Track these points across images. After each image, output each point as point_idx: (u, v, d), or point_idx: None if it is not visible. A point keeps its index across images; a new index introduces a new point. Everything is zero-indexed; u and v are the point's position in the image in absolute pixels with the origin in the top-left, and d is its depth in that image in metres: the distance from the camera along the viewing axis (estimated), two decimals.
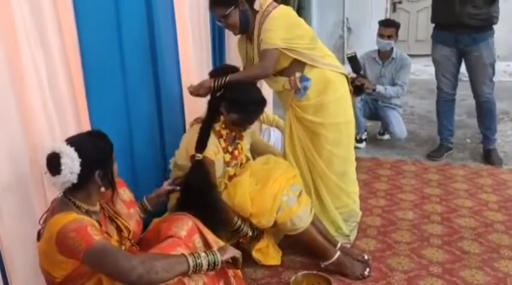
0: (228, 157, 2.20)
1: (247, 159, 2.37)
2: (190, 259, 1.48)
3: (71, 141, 1.49)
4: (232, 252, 1.65)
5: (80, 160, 1.45)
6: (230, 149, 2.22)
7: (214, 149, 2.12)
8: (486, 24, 3.32)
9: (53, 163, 1.45)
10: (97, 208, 1.59)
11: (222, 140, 2.18)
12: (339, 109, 2.34)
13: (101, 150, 1.53)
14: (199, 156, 2.05)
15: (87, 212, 1.52)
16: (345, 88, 2.38)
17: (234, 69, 2.26)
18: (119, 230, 1.66)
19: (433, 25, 3.61)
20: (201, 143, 2.07)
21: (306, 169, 2.40)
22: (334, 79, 2.31)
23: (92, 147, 1.51)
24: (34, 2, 1.62)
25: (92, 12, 1.88)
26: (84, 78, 1.88)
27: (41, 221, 1.52)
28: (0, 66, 1.52)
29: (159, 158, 2.45)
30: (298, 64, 2.27)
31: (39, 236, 1.51)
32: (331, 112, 2.31)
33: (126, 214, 1.73)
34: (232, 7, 2.17)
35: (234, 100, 2.10)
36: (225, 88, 2.12)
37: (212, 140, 2.12)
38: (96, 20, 1.91)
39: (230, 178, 2.23)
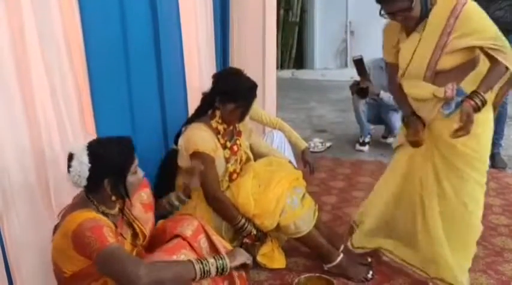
0: (227, 153, 2.21)
1: (247, 156, 2.38)
2: (197, 267, 1.48)
3: (91, 144, 1.51)
4: (243, 258, 1.65)
5: (89, 165, 1.46)
6: (229, 145, 2.23)
7: (212, 146, 2.13)
8: (509, 28, 3.30)
9: (68, 162, 1.49)
10: (115, 211, 1.60)
11: (220, 136, 2.19)
12: (487, 142, 1.93)
13: (114, 159, 1.51)
14: (174, 147, 2.18)
15: (104, 214, 1.54)
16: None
17: (238, 72, 2.26)
18: (135, 234, 1.67)
19: None
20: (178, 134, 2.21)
21: (417, 190, 2.03)
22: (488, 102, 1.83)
23: (106, 154, 1.50)
24: (42, 7, 1.64)
25: (97, 15, 1.90)
26: (89, 82, 1.90)
27: (60, 215, 1.53)
28: (9, 70, 1.54)
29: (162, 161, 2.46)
30: (465, 70, 1.87)
31: (55, 230, 1.52)
32: (482, 143, 1.91)
33: (144, 218, 1.73)
34: None
35: (228, 90, 2.15)
36: (215, 82, 2.20)
37: (210, 137, 2.15)
38: (101, 23, 1.93)
39: (231, 174, 2.23)
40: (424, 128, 1.95)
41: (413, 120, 1.97)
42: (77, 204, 1.52)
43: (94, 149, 1.49)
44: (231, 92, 2.14)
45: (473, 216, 1.97)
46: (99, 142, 1.54)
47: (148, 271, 1.37)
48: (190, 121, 2.24)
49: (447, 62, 1.84)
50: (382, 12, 1.86)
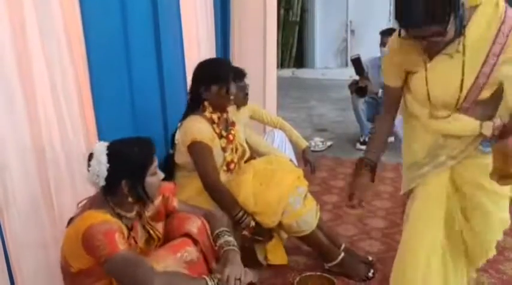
0: (223, 142, 2.23)
1: (243, 149, 2.38)
2: (210, 283, 1.50)
3: (112, 144, 1.51)
4: (250, 277, 1.66)
5: (107, 165, 1.46)
6: (224, 134, 2.25)
7: (209, 135, 2.15)
8: None
9: (88, 162, 1.49)
10: (131, 214, 1.59)
11: (215, 126, 2.21)
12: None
13: (133, 159, 1.50)
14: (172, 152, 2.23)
15: (119, 216, 1.53)
16: None
17: (206, 60, 2.28)
18: (149, 239, 1.67)
19: None
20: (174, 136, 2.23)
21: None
22: None
23: (125, 154, 1.50)
24: (43, 2, 1.65)
25: (97, 10, 1.90)
26: (89, 76, 1.91)
27: (79, 205, 1.54)
28: (10, 66, 1.54)
29: (162, 155, 2.46)
30: (498, 100, 1.54)
31: (70, 221, 1.52)
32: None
33: (161, 224, 1.74)
34: (452, 17, 1.43)
35: (206, 75, 2.19)
36: (193, 77, 2.24)
37: (206, 127, 2.17)
38: (101, 17, 1.94)
39: (228, 164, 2.24)
40: (370, 187, 1.77)
41: (363, 174, 1.76)
42: (95, 202, 1.52)
43: (113, 149, 1.49)
44: (209, 75, 2.19)
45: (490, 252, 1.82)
46: (119, 142, 1.53)
47: (160, 281, 1.39)
48: (184, 119, 2.25)
49: (488, 91, 1.54)
50: (403, 34, 1.51)
